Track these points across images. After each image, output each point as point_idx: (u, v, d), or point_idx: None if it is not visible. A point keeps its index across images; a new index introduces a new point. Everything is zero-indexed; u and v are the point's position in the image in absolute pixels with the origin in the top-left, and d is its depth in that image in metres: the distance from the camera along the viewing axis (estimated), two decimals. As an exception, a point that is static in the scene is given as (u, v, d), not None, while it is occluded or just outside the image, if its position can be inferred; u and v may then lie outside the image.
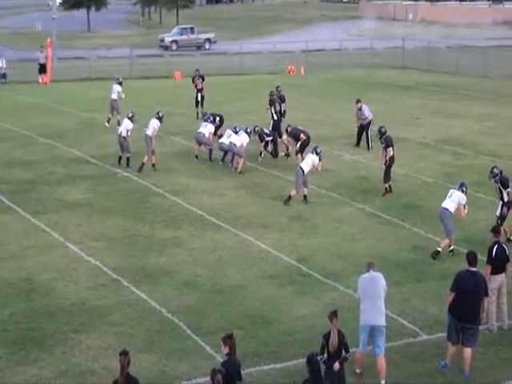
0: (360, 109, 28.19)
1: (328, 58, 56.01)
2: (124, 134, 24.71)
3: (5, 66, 45.58)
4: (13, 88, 43.27)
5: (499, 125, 32.49)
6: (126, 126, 24.79)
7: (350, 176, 24.46)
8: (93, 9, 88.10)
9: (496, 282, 13.98)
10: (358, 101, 28.38)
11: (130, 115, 25.11)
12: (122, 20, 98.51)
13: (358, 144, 28.25)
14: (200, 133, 25.73)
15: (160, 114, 25.29)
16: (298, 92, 38.12)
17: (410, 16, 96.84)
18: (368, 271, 12.67)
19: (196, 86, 33.79)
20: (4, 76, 45.53)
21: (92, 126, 31.62)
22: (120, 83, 32.24)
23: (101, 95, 36.84)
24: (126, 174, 24.35)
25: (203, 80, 33.99)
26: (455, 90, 42.95)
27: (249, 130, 25.25)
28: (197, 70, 34.48)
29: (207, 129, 25.79)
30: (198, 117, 32.28)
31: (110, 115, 31.29)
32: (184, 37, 68.11)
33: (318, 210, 21.11)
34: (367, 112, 28.16)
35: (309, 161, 21.84)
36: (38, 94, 41.60)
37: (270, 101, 27.65)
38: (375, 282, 12.52)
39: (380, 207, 21.23)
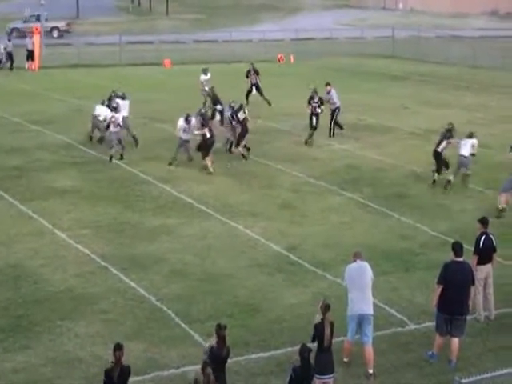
0: (329, 92, 27.95)
1: (318, 47, 55.86)
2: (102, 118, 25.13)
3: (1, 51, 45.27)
4: (1, 74, 43.07)
5: (488, 115, 32.58)
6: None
7: (339, 165, 24.46)
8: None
9: (483, 272, 14.03)
10: (328, 84, 28.22)
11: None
12: (112, 6, 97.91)
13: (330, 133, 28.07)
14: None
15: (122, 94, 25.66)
16: (288, 80, 38.07)
17: (400, 5, 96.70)
18: (355, 261, 12.71)
19: (251, 81, 33.78)
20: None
21: (81, 113, 31.45)
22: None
23: (90, 82, 36.77)
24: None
25: (258, 74, 33.91)
26: (445, 79, 43.02)
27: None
28: (251, 64, 34.43)
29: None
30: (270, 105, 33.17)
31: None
32: (29, 24, 60.26)
33: (307, 198, 21.12)
34: (335, 97, 27.91)
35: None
36: (26, 80, 41.42)
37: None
38: (362, 272, 12.55)
39: (369, 196, 21.25)
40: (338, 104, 27.91)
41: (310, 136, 26.72)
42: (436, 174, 22.33)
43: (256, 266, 16.47)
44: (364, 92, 36.76)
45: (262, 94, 33.75)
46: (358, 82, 41.14)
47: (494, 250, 14.14)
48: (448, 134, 22.43)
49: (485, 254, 14.03)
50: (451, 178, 21.90)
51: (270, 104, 33.24)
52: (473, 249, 14.07)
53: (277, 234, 18.36)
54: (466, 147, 21.85)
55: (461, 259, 12.69)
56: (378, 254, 16.79)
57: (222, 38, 59.21)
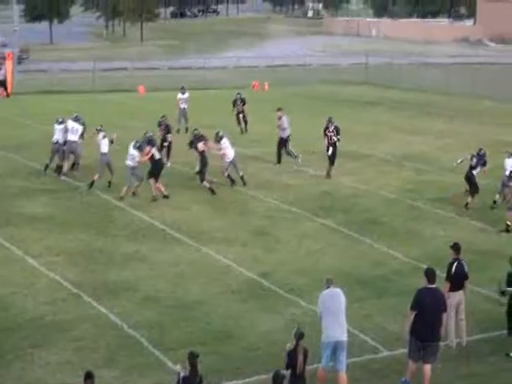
0: (280, 118, 27.88)
1: (292, 74, 56.23)
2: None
3: None
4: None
5: (458, 141, 32.84)
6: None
7: (312, 191, 24.50)
8: (55, 21, 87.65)
9: (455, 298, 14.07)
10: (279, 109, 28.14)
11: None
12: (86, 33, 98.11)
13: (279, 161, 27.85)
14: None
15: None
16: (262, 107, 38.20)
17: (373, 32, 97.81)
18: (328, 287, 12.70)
19: (237, 110, 33.83)
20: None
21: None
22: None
23: (63, 108, 36.55)
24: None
25: (244, 104, 33.93)
26: (417, 106, 43.41)
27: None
28: (238, 94, 34.49)
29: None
30: (242, 133, 33.31)
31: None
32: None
33: (281, 225, 21.12)
34: (286, 124, 27.76)
35: None
36: (-2, 106, 41.20)
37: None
38: (336, 298, 12.54)
39: (342, 222, 21.30)
40: (288, 131, 27.70)
41: (328, 172, 25.91)
42: (470, 198, 22.60)
43: (229, 293, 16.41)
44: (338, 118, 36.87)
45: (240, 122, 33.77)
46: (331, 108, 41.31)
47: (465, 276, 14.20)
48: (483, 159, 22.83)
49: (457, 280, 14.08)
50: (497, 198, 22.51)
51: (242, 132, 33.33)
52: (445, 275, 14.13)
53: (250, 260, 18.32)
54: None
55: (433, 286, 12.71)
56: (352, 281, 16.80)
57: (197, 64, 59.42)
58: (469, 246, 17.61)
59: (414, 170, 27.65)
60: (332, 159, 25.92)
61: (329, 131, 25.79)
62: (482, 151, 23.14)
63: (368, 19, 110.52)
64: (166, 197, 23.02)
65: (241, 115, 33.80)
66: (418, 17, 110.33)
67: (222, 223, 21.13)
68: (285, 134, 27.66)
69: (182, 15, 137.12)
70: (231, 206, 22.77)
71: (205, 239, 19.67)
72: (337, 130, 25.87)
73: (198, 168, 24.05)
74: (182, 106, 34.02)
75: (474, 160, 22.76)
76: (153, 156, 23.09)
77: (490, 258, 18.39)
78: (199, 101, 38.62)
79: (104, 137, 23.89)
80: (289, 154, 27.83)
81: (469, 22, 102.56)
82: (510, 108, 42.83)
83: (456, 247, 14.41)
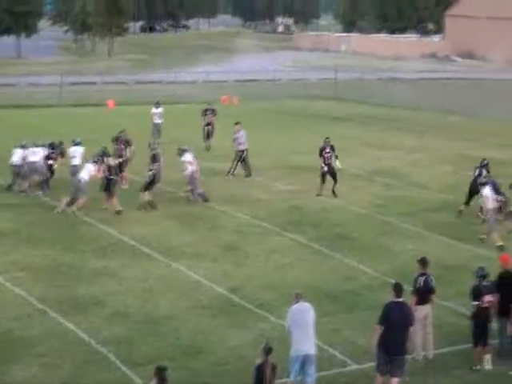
0: (237, 132, 27.93)
1: (262, 89, 56.37)
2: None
3: None
4: None
5: (427, 156, 33.07)
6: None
7: (282, 206, 24.48)
8: (23, 35, 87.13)
9: (422, 312, 14.13)
10: (237, 123, 28.27)
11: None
12: (54, 47, 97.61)
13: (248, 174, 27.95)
14: None
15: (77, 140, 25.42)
16: (231, 121, 38.18)
17: (343, 48, 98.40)
18: (297, 302, 12.71)
19: (206, 120, 33.38)
20: None
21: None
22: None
23: (30, 122, 36.38)
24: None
25: (215, 115, 33.63)
26: (386, 121, 43.63)
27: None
28: (208, 104, 34.30)
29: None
30: (208, 149, 32.55)
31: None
32: None
33: (251, 239, 21.07)
34: (243, 138, 27.80)
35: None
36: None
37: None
38: (305, 313, 12.56)
39: (312, 238, 21.29)
40: (245, 146, 27.70)
41: (320, 191, 25.54)
42: (464, 205, 23.22)
43: (199, 308, 16.32)
44: (308, 133, 37.02)
45: (209, 136, 33.40)
46: (301, 123, 41.52)
47: (432, 290, 14.27)
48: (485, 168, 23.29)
49: (423, 294, 14.15)
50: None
51: (208, 149, 32.92)
52: (412, 289, 14.19)
53: (220, 275, 18.24)
54: None
55: (401, 300, 12.75)
56: (321, 295, 16.79)
57: (167, 78, 59.34)
58: (437, 261, 17.71)
59: (384, 185, 27.76)
60: (334, 177, 25.54)
61: (326, 152, 25.40)
62: (485, 161, 23.59)
63: (337, 34, 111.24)
64: (118, 212, 22.84)
65: (208, 127, 33.38)
66: (386, 32, 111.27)
67: (192, 238, 21.04)
68: (241, 148, 27.71)
69: (152, 30, 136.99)
70: (201, 221, 22.68)
71: (175, 254, 19.57)
72: (333, 149, 25.55)
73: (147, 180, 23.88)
74: (156, 120, 33.95)
75: (477, 171, 23.23)
76: (107, 170, 23.09)
77: (458, 272, 18.47)
78: (169, 115, 38.50)
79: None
80: (245, 169, 27.90)
81: (436, 38, 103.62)
82: (478, 123, 43.25)
83: (423, 261, 14.48)
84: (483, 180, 21.92)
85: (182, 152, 24.52)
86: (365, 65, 75.70)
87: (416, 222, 22.86)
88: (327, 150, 25.40)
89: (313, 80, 62.42)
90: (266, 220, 22.82)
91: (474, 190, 22.86)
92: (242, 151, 27.79)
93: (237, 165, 27.84)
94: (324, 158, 25.34)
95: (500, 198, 21.21)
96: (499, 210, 21.16)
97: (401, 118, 44.88)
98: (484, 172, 23.20)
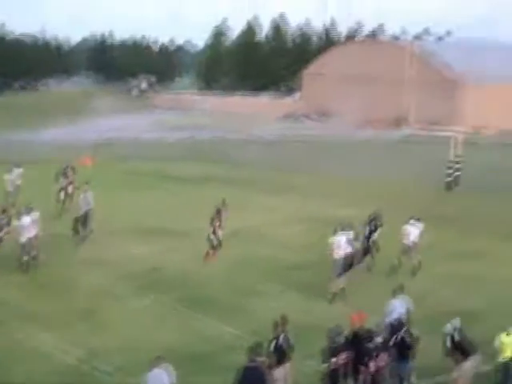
0: (85, 192, 27.77)
1: (118, 149, 55.92)
2: None
3: None
4: None
5: (285, 216, 33.60)
6: None
7: (141, 268, 24.21)
8: None
9: (280, 372, 14.23)
10: (85, 183, 28.18)
11: None
12: None
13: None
14: None
15: None
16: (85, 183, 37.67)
17: (201, 107, 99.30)
18: (154, 366, 12.58)
19: (61, 182, 32.35)
20: None
21: None
22: None
23: None
24: None
25: (75, 173, 32.72)
26: (244, 181, 44.02)
27: None
28: (65, 166, 33.22)
29: None
30: (61, 213, 31.33)
31: None
32: None
33: (108, 303, 20.67)
34: (90, 198, 27.62)
35: None
36: None
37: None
38: (161, 377, 12.44)
39: (173, 299, 21.13)
40: (91, 206, 27.53)
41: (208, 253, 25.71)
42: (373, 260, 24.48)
43: (53, 375, 15.79)
44: (163, 194, 37.03)
45: (65, 199, 32.63)
46: (158, 184, 41.38)
47: (291, 349, 14.39)
48: (375, 222, 24.43)
49: (282, 353, 14.25)
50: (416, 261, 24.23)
51: (61, 212, 31.82)
52: (271, 348, 14.26)
53: (75, 342, 17.76)
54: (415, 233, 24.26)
55: (254, 364, 12.81)
56: (183, 357, 16.60)
57: (23, 138, 58.01)
58: (295, 320, 17.86)
59: (244, 245, 27.92)
60: (220, 243, 25.76)
61: (219, 217, 25.85)
62: (374, 215, 24.70)
63: (197, 94, 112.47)
64: None
65: (63, 190, 32.59)
66: (246, 91, 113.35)
67: (44, 304, 20.41)
68: (86, 208, 27.37)
69: (3, 89, 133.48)
70: (54, 285, 22.08)
71: (25, 321, 18.91)
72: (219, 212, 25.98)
73: None
74: (14, 182, 32.91)
75: (369, 226, 24.41)
76: None
77: (314, 331, 18.69)
78: (24, 177, 37.62)
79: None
80: (82, 227, 27.41)
81: (293, 98, 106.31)
82: (332, 181, 44.34)
83: (282, 320, 14.63)
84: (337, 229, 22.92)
85: (20, 214, 23.90)
86: (223, 125, 76.58)
87: (276, 282, 23.11)
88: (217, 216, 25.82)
89: (171, 140, 62.57)
90: (123, 283, 22.51)
91: (366, 247, 24.18)
92: (87, 210, 27.38)
93: (83, 226, 27.24)
94: (217, 224, 25.67)
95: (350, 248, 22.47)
96: (351, 258, 22.12)
97: (258, 178, 45.44)
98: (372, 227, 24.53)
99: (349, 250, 22.34)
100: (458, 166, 42.90)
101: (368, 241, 24.45)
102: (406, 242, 24.26)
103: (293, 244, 27.96)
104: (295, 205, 36.63)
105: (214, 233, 25.67)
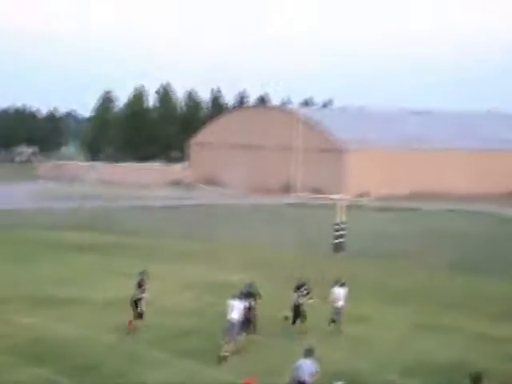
0: None
1: (2, 219, 54.57)
2: None
3: None
4: None
5: (174, 283, 33.30)
6: None
7: (24, 339, 23.49)
8: None
9: None
10: None
11: None
12: None
13: None
14: None
15: None
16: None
17: (88, 176, 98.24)
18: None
19: None
20: None
21: None
22: None
23: None
24: None
25: None
26: (132, 249, 43.47)
27: None
28: None
29: None
30: None
31: None
32: None
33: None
34: None
35: None
36: None
37: None
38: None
39: (56, 370, 20.53)
40: None
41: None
42: (295, 324, 24.75)
43: None
44: (49, 264, 36.39)
45: None
46: (43, 253, 40.46)
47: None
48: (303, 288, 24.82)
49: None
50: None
51: None
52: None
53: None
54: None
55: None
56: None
57: None
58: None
59: (131, 313, 27.50)
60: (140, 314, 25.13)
61: (144, 284, 25.39)
62: (302, 281, 25.14)
63: (83, 163, 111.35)
64: None
65: None
66: (133, 160, 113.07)
67: None
68: None
69: None
70: None
71: None
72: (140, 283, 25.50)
73: None
74: None
75: (298, 292, 24.77)
76: None
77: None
78: None
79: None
80: None
81: (181, 166, 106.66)
82: (219, 247, 44.39)
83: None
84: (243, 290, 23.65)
85: None
86: (111, 193, 75.94)
87: (164, 349, 22.83)
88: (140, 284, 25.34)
89: (57, 209, 61.54)
90: (6, 354, 21.75)
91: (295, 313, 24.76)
92: None
93: None
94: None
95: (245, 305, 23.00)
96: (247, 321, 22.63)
97: (145, 246, 45.03)
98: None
99: (241, 314, 22.59)
100: (342, 232, 43.94)
101: (297, 307, 24.74)
102: (336, 304, 25.24)
103: (181, 310, 27.76)
104: (184, 271, 36.48)
105: (140, 302, 25.20)
